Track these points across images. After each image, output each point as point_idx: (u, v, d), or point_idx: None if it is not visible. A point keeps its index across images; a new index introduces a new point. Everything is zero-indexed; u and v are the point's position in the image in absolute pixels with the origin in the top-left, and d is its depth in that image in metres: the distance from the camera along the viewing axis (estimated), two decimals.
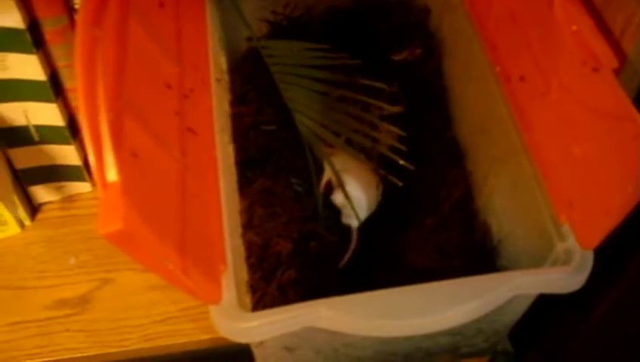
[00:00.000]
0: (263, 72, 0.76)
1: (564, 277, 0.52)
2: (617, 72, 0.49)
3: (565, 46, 0.52)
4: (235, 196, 0.71)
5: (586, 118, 0.51)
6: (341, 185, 0.66)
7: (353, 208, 0.66)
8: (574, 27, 0.50)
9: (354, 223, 0.68)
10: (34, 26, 0.69)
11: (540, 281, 0.52)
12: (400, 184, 0.67)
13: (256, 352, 0.60)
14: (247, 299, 0.64)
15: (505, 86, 0.65)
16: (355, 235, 0.67)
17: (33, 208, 0.87)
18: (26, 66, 0.70)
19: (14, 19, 0.66)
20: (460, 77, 0.78)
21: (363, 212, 0.67)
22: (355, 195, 0.66)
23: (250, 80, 0.82)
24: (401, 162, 0.68)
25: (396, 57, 0.81)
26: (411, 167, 0.67)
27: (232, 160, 0.73)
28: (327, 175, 0.69)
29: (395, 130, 0.70)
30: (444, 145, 0.77)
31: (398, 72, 0.81)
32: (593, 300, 0.95)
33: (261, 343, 0.58)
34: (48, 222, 0.87)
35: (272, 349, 0.59)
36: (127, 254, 0.42)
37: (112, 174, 0.41)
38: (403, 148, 0.68)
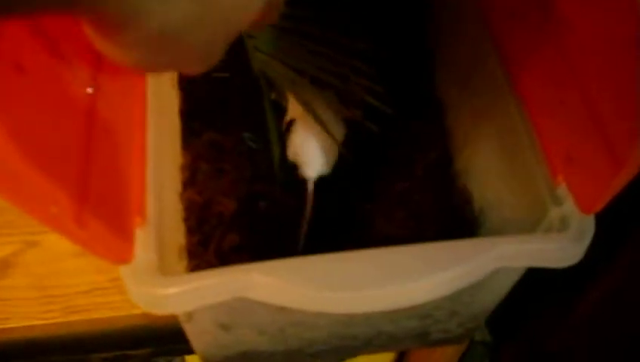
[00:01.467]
0: None
1: (560, 247, 0.43)
2: None
3: None
4: (177, 148, 0.61)
5: (592, 52, 0.41)
6: (318, 120, 0.55)
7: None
8: None
9: (310, 174, 0.56)
10: None
11: (531, 250, 0.42)
12: (375, 129, 0.56)
13: (187, 329, 0.51)
14: (181, 266, 0.54)
15: (493, 26, 0.55)
16: (310, 193, 0.55)
17: None
18: None
19: None
20: (444, 21, 0.68)
21: (321, 164, 0.56)
22: (315, 144, 0.55)
23: None
24: (378, 105, 0.57)
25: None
26: (389, 111, 0.56)
27: (175, 107, 0.63)
28: (291, 113, 0.59)
29: (365, 68, 0.59)
30: (419, 99, 0.67)
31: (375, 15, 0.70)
32: (580, 290, 0.86)
33: (190, 317, 0.48)
34: None
35: (204, 326, 0.49)
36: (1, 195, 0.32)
37: None
38: (379, 88, 0.57)
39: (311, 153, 0.55)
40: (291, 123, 0.57)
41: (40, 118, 0.35)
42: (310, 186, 0.55)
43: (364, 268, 0.40)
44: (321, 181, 0.56)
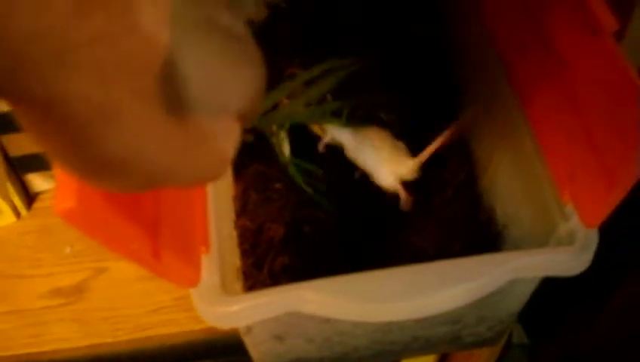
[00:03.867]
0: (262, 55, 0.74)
1: (567, 258, 0.49)
2: (620, 36, 0.45)
3: (563, 7, 0.49)
4: (230, 180, 0.69)
5: (586, 87, 0.48)
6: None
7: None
8: None
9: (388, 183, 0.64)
10: None
11: (540, 263, 0.49)
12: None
13: (246, 341, 0.58)
14: (239, 286, 0.62)
15: (505, 57, 0.62)
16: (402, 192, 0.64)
17: (29, 197, 0.85)
18: None
19: None
20: (461, 53, 0.75)
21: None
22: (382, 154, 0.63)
23: None
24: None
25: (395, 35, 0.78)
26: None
27: None
28: (331, 136, 0.66)
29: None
30: (447, 122, 0.73)
31: (400, 51, 0.77)
32: (607, 292, 0.92)
33: (249, 330, 0.55)
34: (44, 211, 0.84)
35: (260, 337, 0.56)
36: (85, 234, 0.39)
37: None
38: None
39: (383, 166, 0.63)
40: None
41: None
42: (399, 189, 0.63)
43: (395, 284, 0.47)
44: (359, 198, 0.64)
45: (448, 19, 0.79)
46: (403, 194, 0.63)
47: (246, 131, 0.72)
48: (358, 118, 0.66)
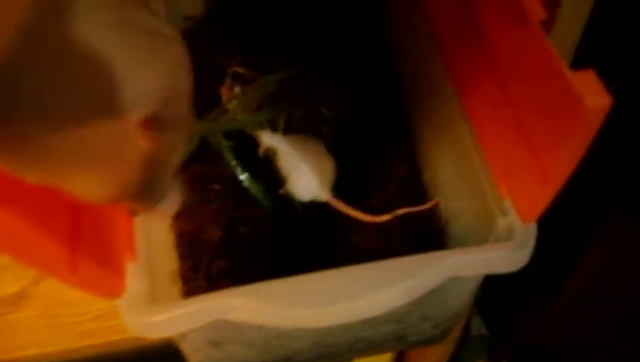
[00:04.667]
0: (199, 54, 0.72)
1: (504, 255, 0.48)
2: (549, 25, 0.44)
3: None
4: None
5: (517, 79, 0.47)
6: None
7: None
8: None
9: (304, 197, 0.63)
10: None
11: (478, 260, 0.48)
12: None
13: (183, 348, 0.56)
14: (176, 290, 0.60)
15: (443, 48, 0.60)
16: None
17: None
18: None
19: None
20: (400, 39, 0.73)
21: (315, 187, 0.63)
22: (304, 168, 0.62)
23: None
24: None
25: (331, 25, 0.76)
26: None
27: None
28: (265, 144, 0.65)
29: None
30: (389, 115, 0.72)
31: (339, 47, 0.76)
32: (561, 279, 0.92)
33: (183, 338, 0.53)
34: None
35: (196, 344, 0.55)
36: None
37: None
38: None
39: (302, 179, 0.62)
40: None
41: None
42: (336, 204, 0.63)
43: (328, 287, 0.45)
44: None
45: (388, 13, 0.77)
46: (335, 204, 0.63)
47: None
48: (297, 125, 0.65)
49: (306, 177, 0.63)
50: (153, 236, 0.55)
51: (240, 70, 0.70)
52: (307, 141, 0.64)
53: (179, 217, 0.65)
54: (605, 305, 0.97)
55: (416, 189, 0.68)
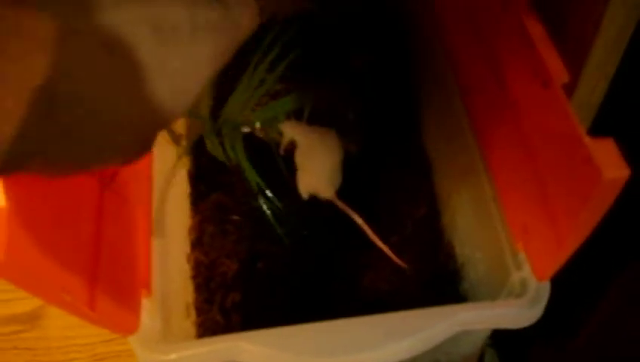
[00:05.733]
0: (224, 79, 0.73)
1: (515, 312, 0.48)
2: (571, 89, 0.44)
3: (516, 56, 0.47)
4: (185, 212, 0.67)
5: (538, 137, 0.47)
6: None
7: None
8: (523, 35, 0.46)
9: (328, 194, 0.65)
10: None
11: (488, 316, 0.48)
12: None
13: None
14: (189, 322, 0.61)
15: (466, 97, 0.61)
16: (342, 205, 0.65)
17: None
18: None
19: None
20: (426, 85, 0.74)
21: (325, 182, 0.65)
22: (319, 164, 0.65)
23: (210, 87, 0.78)
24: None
25: (355, 62, 0.77)
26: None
27: (184, 173, 0.69)
28: (287, 137, 0.68)
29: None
30: (410, 154, 0.73)
31: (361, 77, 0.77)
32: (577, 323, 0.91)
33: None
34: None
35: None
36: (16, 286, 0.38)
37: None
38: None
39: (308, 175, 0.64)
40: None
41: (57, 216, 0.42)
42: (337, 202, 0.64)
43: (337, 337, 0.45)
44: (317, 233, 0.65)
45: (415, 51, 0.78)
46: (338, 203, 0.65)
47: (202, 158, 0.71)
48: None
49: (314, 174, 0.65)
50: (170, 267, 0.55)
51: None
52: (326, 136, 0.67)
53: (196, 247, 0.65)
54: (622, 345, 0.97)
55: (434, 231, 0.68)
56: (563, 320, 0.94)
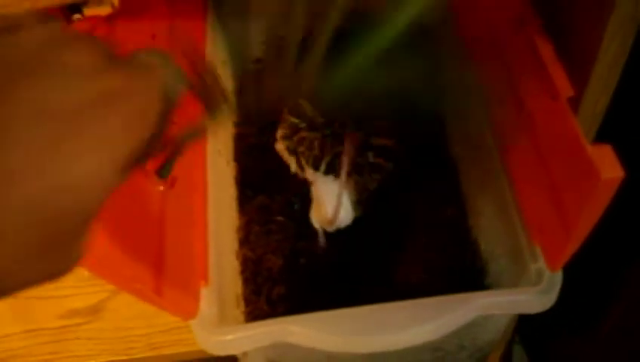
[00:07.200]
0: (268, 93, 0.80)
1: (530, 298, 0.54)
2: (577, 101, 0.50)
3: (529, 73, 0.54)
4: (233, 213, 0.74)
5: (549, 145, 0.53)
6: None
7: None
8: (535, 54, 0.52)
9: (315, 223, 0.72)
10: None
11: (505, 302, 0.54)
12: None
13: None
14: (239, 312, 0.67)
15: (489, 106, 0.67)
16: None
17: None
18: None
19: None
20: (450, 92, 0.80)
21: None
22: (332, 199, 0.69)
23: (255, 101, 0.85)
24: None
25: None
26: None
27: (231, 178, 0.76)
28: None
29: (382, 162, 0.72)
30: (439, 163, 0.79)
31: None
32: (599, 316, 0.97)
33: (245, 355, 0.61)
34: None
35: (256, 361, 0.62)
36: (92, 274, 0.45)
37: None
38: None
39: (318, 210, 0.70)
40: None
41: (127, 217, 0.49)
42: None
43: (372, 319, 0.52)
44: (354, 235, 0.71)
45: (442, 67, 0.84)
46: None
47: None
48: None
49: (322, 208, 0.70)
50: (223, 263, 0.63)
51: (304, 103, 0.76)
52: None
53: (244, 245, 0.72)
54: None
55: (462, 231, 0.74)
56: (587, 311, 1.00)
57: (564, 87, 0.49)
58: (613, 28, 0.48)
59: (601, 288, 0.95)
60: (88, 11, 0.69)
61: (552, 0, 0.54)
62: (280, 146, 0.74)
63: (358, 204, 0.72)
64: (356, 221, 0.72)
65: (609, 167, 0.44)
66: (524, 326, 1.08)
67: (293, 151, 0.72)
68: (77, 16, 0.71)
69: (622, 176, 0.44)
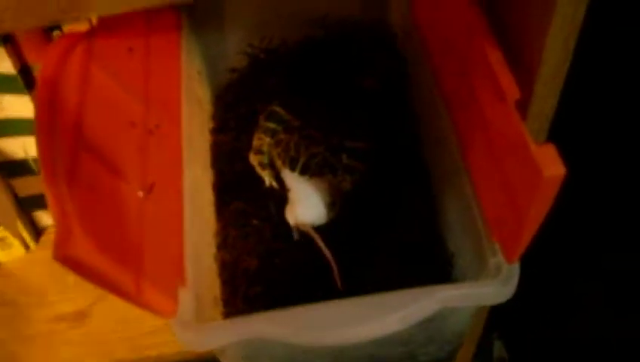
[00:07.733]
0: (243, 101, 0.84)
1: (490, 290, 0.57)
2: (527, 103, 0.53)
3: (482, 77, 0.57)
4: (211, 218, 0.78)
5: (501, 144, 0.56)
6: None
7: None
8: (485, 59, 0.56)
9: (291, 220, 0.75)
10: (25, 70, 0.77)
11: (465, 295, 0.57)
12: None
13: (222, 360, 0.66)
14: (218, 311, 0.71)
15: (449, 108, 0.70)
16: (316, 237, 0.73)
17: (37, 231, 0.95)
18: (21, 106, 0.78)
19: (6, 66, 0.75)
20: (419, 97, 0.84)
21: (310, 215, 0.74)
22: (307, 198, 0.74)
23: (231, 109, 0.88)
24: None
25: (363, 84, 0.87)
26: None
27: (209, 184, 0.79)
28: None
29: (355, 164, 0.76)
30: (412, 164, 0.82)
31: (366, 97, 0.86)
32: (568, 307, 1.01)
33: (223, 352, 0.64)
34: (51, 244, 0.92)
35: (233, 358, 0.65)
36: (78, 276, 0.48)
37: (67, 206, 0.47)
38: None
39: (305, 205, 0.74)
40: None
41: (108, 221, 0.52)
42: (312, 233, 0.73)
43: (338, 313, 0.56)
44: (329, 234, 0.74)
45: (410, 79, 0.88)
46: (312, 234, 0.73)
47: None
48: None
49: (296, 206, 0.74)
50: (201, 266, 0.66)
51: (278, 109, 0.80)
52: (315, 182, 0.75)
53: (221, 248, 0.76)
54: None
55: (432, 229, 0.77)
56: (557, 303, 1.04)
57: (511, 90, 0.53)
58: (554, 30, 0.51)
59: (568, 280, 0.99)
60: (67, 28, 0.72)
61: (502, 6, 0.57)
62: (253, 160, 0.78)
63: (333, 205, 0.76)
64: (331, 221, 0.75)
65: (551, 165, 0.47)
66: (504, 322, 1.12)
67: (266, 165, 0.76)
68: (57, 32, 0.75)
69: (563, 173, 0.47)
